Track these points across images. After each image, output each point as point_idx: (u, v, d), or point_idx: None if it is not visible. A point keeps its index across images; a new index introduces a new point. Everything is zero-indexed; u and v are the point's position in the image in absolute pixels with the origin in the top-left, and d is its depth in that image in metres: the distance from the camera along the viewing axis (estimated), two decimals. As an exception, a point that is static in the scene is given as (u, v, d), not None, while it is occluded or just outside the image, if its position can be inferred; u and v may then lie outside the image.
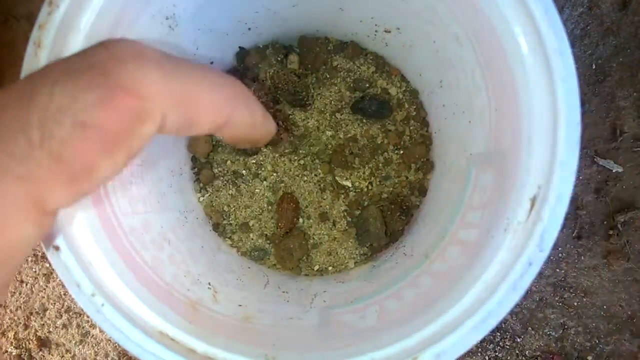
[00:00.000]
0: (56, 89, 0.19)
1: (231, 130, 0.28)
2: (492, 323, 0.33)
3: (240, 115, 0.27)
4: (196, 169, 0.58)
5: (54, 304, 0.71)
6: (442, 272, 0.40)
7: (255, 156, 0.58)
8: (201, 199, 0.58)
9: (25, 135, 0.19)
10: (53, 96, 0.19)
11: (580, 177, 0.71)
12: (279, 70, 0.57)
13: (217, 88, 0.26)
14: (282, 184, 0.58)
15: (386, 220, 0.57)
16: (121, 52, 0.21)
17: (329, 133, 0.59)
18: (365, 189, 0.58)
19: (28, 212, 0.20)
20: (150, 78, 0.21)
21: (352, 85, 0.59)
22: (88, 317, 0.57)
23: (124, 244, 0.38)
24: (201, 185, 0.58)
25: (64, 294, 0.71)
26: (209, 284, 0.44)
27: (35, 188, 0.20)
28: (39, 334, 0.71)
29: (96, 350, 0.71)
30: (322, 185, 0.59)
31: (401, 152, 0.59)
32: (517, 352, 0.70)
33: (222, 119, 0.26)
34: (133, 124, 0.21)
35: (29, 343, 0.71)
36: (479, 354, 0.70)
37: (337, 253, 0.58)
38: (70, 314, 0.71)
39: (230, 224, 0.58)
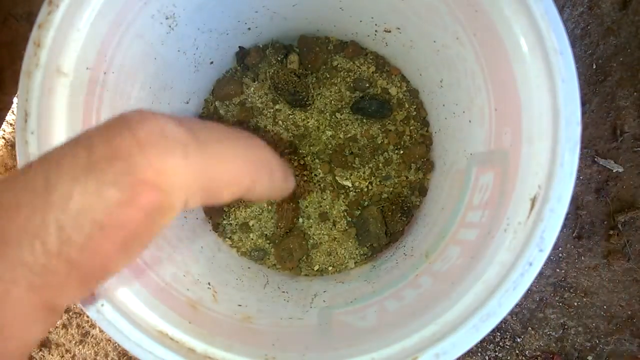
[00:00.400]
0: (76, 188, 0.18)
1: (251, 195, 0.26)
2: (492, 323, 0.33)
3: (261, 182, 0.25)
4: (196, 168, 0.58)
5: (54, 303, 0.71)
6: (442, 272, 0.40)
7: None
8: (201, 198, 0.58)
9: (41, 242, 0.18)
10: (72, 196, 0.17)
11: (581, 177, 0.71)
12: (279, 70, 0.57)
13: (240, 160, 0.25)
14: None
15: (386, 221, 0.57)
16: (145, 136, 0.19)
17: (329, 133, 0.58)
18: (366, 189, 0.58)
19: (38, 314, 0.19)
20: (175, 168, 0.19)
21: (352, 85, 0.59)
22: (88, 317, 0.57)
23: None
24: (201, 185, 0.58)
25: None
26: (209, 284, 0.44)
27: (48, 294, 0.19)
28: (39, 333, 0.71)
29: (96, 350, 0.71)
30: (322, 185, 0.59)
31: (401, 152, 0.59)
32: (517, 352, 0.70)
33: (243, 190, 0.25)
34: (155, 218, 0.19)
35: (29, 343, 0.71)
36: (479, 354, 0.70)
37: (337, 253, 0.58)
38: (70, 314, 0.71)
39: (230, 224, 0.58)
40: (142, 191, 0.18)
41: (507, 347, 0.70)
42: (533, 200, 0.34)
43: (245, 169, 0.24)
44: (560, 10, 0.67)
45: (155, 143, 0.18)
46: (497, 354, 0.70)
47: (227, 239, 0.58)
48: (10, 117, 0.66)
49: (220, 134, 0.23)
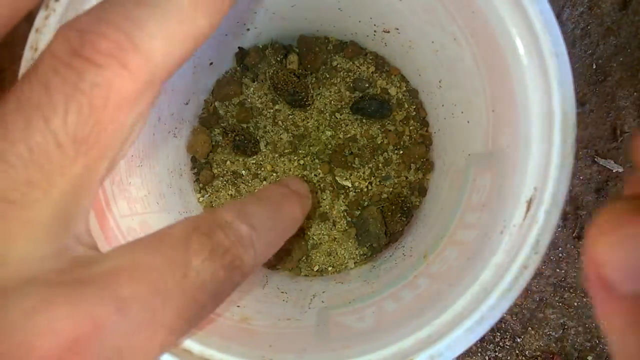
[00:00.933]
0: (203, 267, 0.21)
1: None
2: (487, 326, 0.33)
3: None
4: (196, 169, 0.58)
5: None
6: (440, 273, 0.40)
7: (254, 156, 0.58)
8: (201, 199, 0.58)
9: (181, 297, 0.21)
10: (200, 271, 0.21)
11: (581, 177, 0.70)
12: (279, 70, 0.57)
13: (288, 226, 0.30)
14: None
15: (386, 221, 0.57)
16: (235, 240, 0.24)
17: (328, 133, 0.59)
18: (365, 189, 0.58)
19: (156, 354, 0.21)
20: (251, 261, 0.24)
21: (351, 85, 0.59)
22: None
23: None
24: (201, 185, 0.58)
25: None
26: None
27: (169, 340, 0.21)
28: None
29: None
30: (322, 185, 0.59)
31: (401, 152, 0.59)
32: (517, 352, 0.70)
33: None
34: (233, 290, 0.24)
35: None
36: (479, 354, 0.70)
37: (337, 253, 0.58)
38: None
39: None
40: (236, 274, 0.23)
41: (507, 347, 0.70)
42: (529, 202, 0.34)
43: (288, 234, 0.30)
44: (560, 10, 0.66)
45: (240, 244, 0.24)
46: (497, 354, 0.70)
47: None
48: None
49: (270, 219, 0.27)
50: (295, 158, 0.58)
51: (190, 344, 0.35)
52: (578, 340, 0.70)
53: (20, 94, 0.19)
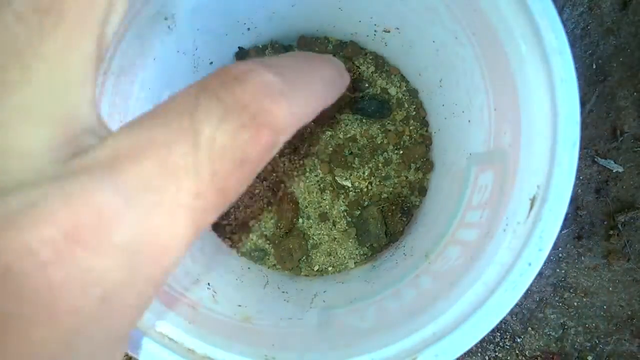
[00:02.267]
0: (218, 131, 0.18)
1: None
2: (491, 324, 0.32)
3: (334, 97, 0.27)
4: (196, 169, 0.58)
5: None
6: (441, 272, 0.40)
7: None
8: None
9: (195, 174, 0.18)
10: (216, 136, 0.18)
11: (581, 177, 0.71)
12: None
13: (320, 92, 0.25)
14: (282, 184, 0.58)
15: (386, 221, 0.57)
16: (258, 90, 0.20)
17: (328, 133, 0.58)
18: (365, 189, 0.58)
19: (188, 234, 0.19)
20: (282, 114, 0.20)
21: (351, 85, 0.59)
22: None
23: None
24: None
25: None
26: (209, 284, 0.44)
27: (200, 219, 0.19)
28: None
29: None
30: (322, 185, 0.59)
31: (401, 152, 0.59)
32: (517, 352, 0.70)
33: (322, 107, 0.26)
34: (268, 154, 0.21)
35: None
36: (479, 354, 0.70)
37: (337, 253, 0.58)
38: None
39: (230, 224, 0.58)
40: (263, 134, 0.20)
41: (507, 347, 0.70)
42: (532, 200, 0.34)
43: (325, 98, 0.26)
44: (560, 10, 0.67)
45: (267, 95, 0.20)
46: (497, 354, 0.70)
47: (226, 239, 0.58)
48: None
49: (302, 72, 0.24)
50: (296, 158, 0.58)
51: (193, 342, 0.35)
52: (578, 340, 0.70)
53: None
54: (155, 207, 0.18)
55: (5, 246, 0.16)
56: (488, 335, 0.69)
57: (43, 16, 0.18)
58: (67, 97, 0.19)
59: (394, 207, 0.57)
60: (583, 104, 0.70)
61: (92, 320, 0.18)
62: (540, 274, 0.70)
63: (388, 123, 0.59)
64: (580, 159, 0.71)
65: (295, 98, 0.21)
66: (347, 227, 0.58)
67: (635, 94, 0.69)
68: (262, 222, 0.58)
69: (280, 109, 0.20)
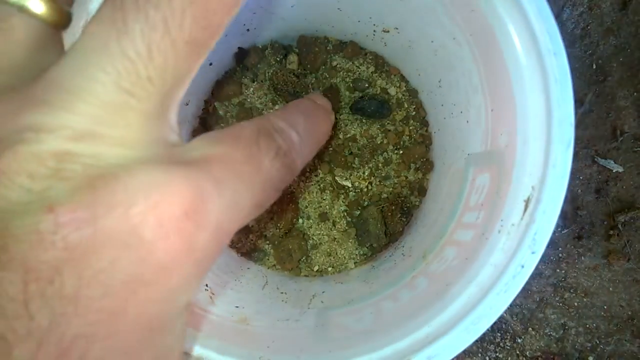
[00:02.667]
0: (272, 163, 0.25)
1: None
2: (484, 326, 0.32)
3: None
4: (195, 169, 0.58)
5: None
6: (438, 273, 0.40)
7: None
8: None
9: (259, 186, 0.24)
10: (270, 172, 0.25)
11: (581, 177, 0.70)
12: (278, 70, 0.57)
13: (323, 138, 0.33)
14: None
15: (386, 221, 0.57)
16: (290, 144, 0.27)
17: (328, 133, 0.58)
18: (365, 189, 0.58)
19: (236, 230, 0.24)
20: (299, 164, 0.28)
21: (351, 85, 0.59)
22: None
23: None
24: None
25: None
26: (206, 285, 0.44)
27: (247, 219, 0.24)
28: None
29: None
30: (321, 185, 0.59)
31: (401, 152, 0.59)
32: (518, 352, 0.70)
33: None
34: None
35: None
36: (479, 355, 0.70)
37: (337, 254, 0.58)
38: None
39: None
40: (290, 176, 0.27)
41: (508, 347, 0.70)
42: (527, 202, 0.34)
43: (321, 144, 0.32)
44: (560, 10, 0.66)
45: (291, 149, 0.27)
46: (497, 354, 0.70)
47: (226, 240, 0.58)
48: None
49: (311, 133, 0.31)
50: (295, 158, 0.58)
51: (187, 345, 0.35)
52: (579, 340, 0.70)
53: None
54: (233, 198, 0.22)
55: (134, 215, 0.19)
56: (488, 335, 0.69)
57: (190, 45, 0.21)
58: (170, 105, 0.23)
59: (393, 207, 0.57)
60: (583, 103, 0.70)
61: (189, 281, 0.21)
62: (540, 274, 0.71)
63: (388, 123, 0.59)
64: (580, 158, 0.71)
65: (305, 152, 0.29)
66: (347, 227, 0.58)
67: (635, 93, 0.69)
68: (261, 222, 0.58)
69: (299, 161, 0.27)
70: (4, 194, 0.18)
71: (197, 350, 0.35)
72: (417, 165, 0.59)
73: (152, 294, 0.20)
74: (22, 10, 0.22)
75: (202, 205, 0.20)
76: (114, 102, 0.20)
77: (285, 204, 0.57)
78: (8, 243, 0.17)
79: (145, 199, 0.19)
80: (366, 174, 0.58)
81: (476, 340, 0.33)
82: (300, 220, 0.58)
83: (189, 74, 0.23)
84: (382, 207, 0.58)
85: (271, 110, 0.59)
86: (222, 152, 0.23)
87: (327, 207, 0.58)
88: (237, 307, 0.43)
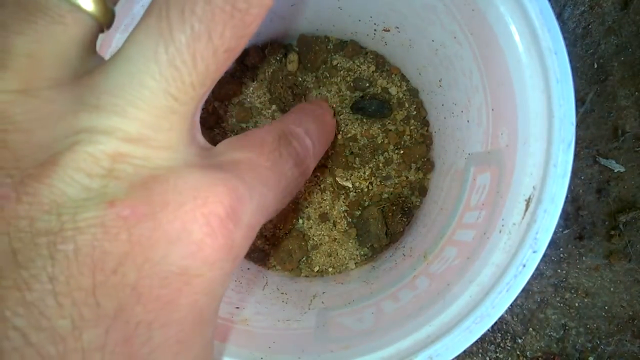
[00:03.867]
0: (291, 170, 0.28)
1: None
2: (485, 326, 0.32)
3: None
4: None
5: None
6: (439, 273, 0.40)
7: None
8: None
9: (276, 185, 0.26)
10: (289, 174, 0.27)
11: (582, 177, 0.70)
12: (278, 69, 0.57)
13: (328, 141, 0.36)
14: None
15: (387, 221, 0.57)
16: (305, 149, 0.29)
17: (328, 133, 0.58)
18: (366, 189, 0.58)
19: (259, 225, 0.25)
20: (312, 166, 0.30)
21: (352, 84, 0.59)
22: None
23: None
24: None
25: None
26: (206, 285, 0.44)
27: (267, 216, 0.26)
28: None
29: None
30: (322, 185, 0.58)
31: (401, 151, 0.58)
32: (518, 352, 0.70)
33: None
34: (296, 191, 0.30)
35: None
36: (480, 355, 0.69)
37: (337, 254, 0.58)
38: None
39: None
40: (303, 178, 0.29)
41: (508, 348, 0.70)
42: (528, 201, 0.34)
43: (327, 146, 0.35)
44: (562, 9, 0.66)
45: (306, 154, 0.30)
46: (497, 354, 0.70)
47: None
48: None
49: (321, 137, 0.33)
50: (295, 158, 0.58)
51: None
52: (579, 341, 0.70)
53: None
54: (260, 201, 0.24)
55: (185, 213, 0.20)
56: (489, 335, 0.69)
57: (228, 54, 0.22)
58: (198, 108, 0.24)
59: (394, 208, 0.57)
60: (584, 103, 0.70)
61: (228, 276, 0.23)
62: (541, 274, 0.70)
63: (388, 123, 0.59)
64: (581, 158, 0.71)
65: (316, 157, 0.31)
66: (347, 228, 0.58)
67: (636, 93, 0.69)
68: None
69: (312, 166, 0.30)
70: (64, 190, 0.19)
71: (197, 351, 0.35)
72: (418, 165, 0.58)
73: (201, 286, 0.21)
74: (74, 6, 0.23)
75: (240, 207, 0.22)
76: (161, 107, 0.21)
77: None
78: (74, 235, 0.18)
79: (194, 199, 0.21)
80: (367, 174, 0.58)
81: (476, 341, 0.33)
82: (301, 221, 0.58)
83: (220, 77, 0.24)
84: (383, 207, 0.58)
85: (269, 110, 0.58)
86: (249, 158, 0.25)
87: (327, 207, 0.58)
88: (237, 307, 0.43)
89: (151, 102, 0.21)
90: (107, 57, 0.31)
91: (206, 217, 0.21)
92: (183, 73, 0.21)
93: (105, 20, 0.24)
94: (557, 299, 0.70)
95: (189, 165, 0.22)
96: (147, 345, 0.20)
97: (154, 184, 0.21)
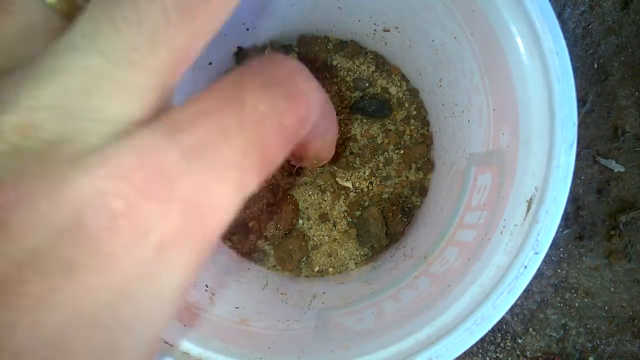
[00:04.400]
0: (260, 99, 0.21)
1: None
2: (486, 327, 0.32)
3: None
4: (195, 169, 0.58)
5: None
6: (439, 273, 0.40)
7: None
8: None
9: (243, 132, 0.21)
10: (258, 104, 0.21)
11: (582, 177, 0.70)
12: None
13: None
14: (282, 185, 0.58)
15: (387, 221, 0.57)
16: (293, 70, 0.23)
17: (328, 133, 0.58)
18: (366, 190, 0.58)
19: (236, 199, 0.21)
20: (313, 93, 0.23)
21: (352, 84, 0.59)
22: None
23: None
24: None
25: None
26: (206, 286, 0.44)
27: (245, 182, 0.21)
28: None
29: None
30: (322, 185, 0.58)
31: (401, 151, 0.58)
32: (518, 352, 0.70)
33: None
34: (302, 128, 0.23)
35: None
36: (480, 355, 0.69)
37: (337, 254, 0.58)
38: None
39: (230, 225, 0.58)
40: (297, 104, 0.23)
41: (508, 348, 0.70)
42: (529, 202, 0.34)
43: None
44: (562, 9, 0.66)
45: (298, 74, 0.23)
46: (497, 354, 0.69)
47: (226, 240, 0.58)
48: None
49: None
50: (295, 158, 0.58)
51: (188, 346, 0.35)
52: (579, 341, 0.70)
53: None
54: (211, 165, 0.20)
55: (78, 194, 0.18)
56: (489, 336, 0.69)
57: (184, 15, 0.20)
58: (165, 86, 0.22)
59: (394, 208, 0.57)
60: (584, 103, 0.70)
61: (146, 272, 0.19)
62: (541, 274, 0.70)
63: (388, 123, 0.59)
64: (581, 158, 0.71)
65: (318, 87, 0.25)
66: (347, 228, 0.58)
67: (636, 93, 0.69)
68: (261, 223, 0.58)
69: (310, 88, 0.24)
70: None
71: (197, 351, 0.35)
72: (418, 165, 0.58)
73: (95, 284, 0.19)
74: None
75: (157, 179, 0.20)
76: (96, 74, 0.20)
77: (285, 204, 0.57)
78: None
79: (96, 173, 0.18)
80: (367, 174, 0.58)
81: (476, 341, 0.33)
82: (301, 221, 0.58)
83: (188, 55, 0.22)
84: (383, 207, 0.57)
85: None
86: (194, 109, 0.22)
87: (327, 207, 0.58)
88: (237, 307, 0.43)
89: (87, 70, 0.20)
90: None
91: (104, 198, 0.19)
92: (126, 35, 0.19)
93: (69, 11, 0.23)
94: (557, 299, 0.70)
95: (110, 142, 0.20)
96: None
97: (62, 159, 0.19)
